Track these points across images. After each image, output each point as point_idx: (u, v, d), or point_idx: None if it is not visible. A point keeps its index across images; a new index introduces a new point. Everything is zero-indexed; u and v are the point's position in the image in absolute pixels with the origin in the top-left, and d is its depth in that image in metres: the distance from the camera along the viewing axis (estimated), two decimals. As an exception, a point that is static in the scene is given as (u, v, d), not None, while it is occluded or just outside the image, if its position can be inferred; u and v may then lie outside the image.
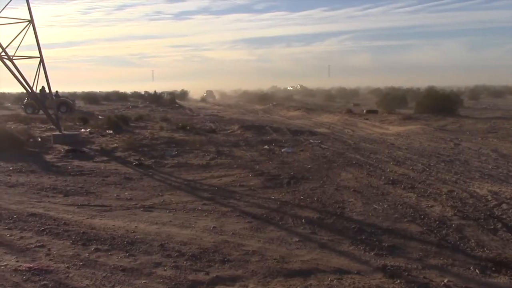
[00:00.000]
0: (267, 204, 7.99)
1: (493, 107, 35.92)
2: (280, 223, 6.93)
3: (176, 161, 12.27)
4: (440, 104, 27.04)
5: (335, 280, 4.87)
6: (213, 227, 6.72)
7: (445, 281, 4.85)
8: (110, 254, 5.68)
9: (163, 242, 6.05)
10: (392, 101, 35.29)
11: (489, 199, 7.90)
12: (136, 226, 6.76)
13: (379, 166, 11.28)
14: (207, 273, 5.08)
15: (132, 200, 8.37)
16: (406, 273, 5.08)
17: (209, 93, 75.48)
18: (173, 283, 4.82)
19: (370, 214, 7.28)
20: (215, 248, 5.85)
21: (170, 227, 6.77)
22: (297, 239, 6.18)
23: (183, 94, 72.04)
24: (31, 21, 16.81)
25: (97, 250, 5.82)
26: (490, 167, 11.08)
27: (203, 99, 65.13)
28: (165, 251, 5.75)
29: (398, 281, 4.86)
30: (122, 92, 75.49)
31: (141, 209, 7.81)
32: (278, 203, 8.02)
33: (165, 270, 5.17)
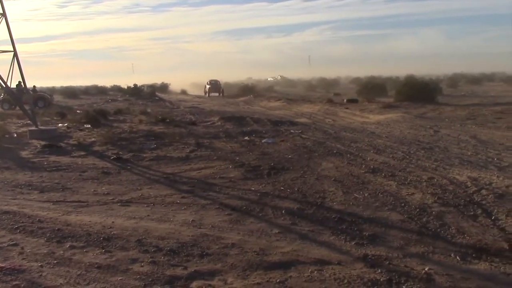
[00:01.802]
0: (247, 195, 7.89)
1: (472, 94, 36.27)
2: (260, 214, 6.84)
3: (155, 154, 12.09)
4: (419, 92, 27.20)
5: (315, 272, 4.79)
6: (192, 220, 6.59)
7: (426, 269, 4.81)
8: (86, 251, 5.53)
9: (140, 237, 5.91)
10: (372, 90, 35.41)
11: (469, 185, 7.91)
12: (113, 222, 6.60)
13: (360, 154, 11.25)
14: (185, 268, 4.96)
15: (110, 195, 8.19)
16: (387, 262, 5.03)
17: (213, 85, 52.04)
18: (150, 279, 4.69)
19: (351, 203, 7.23)
20: (194, 242, 5.74)
21: (148, 221, 6.62)
22: (277, 231, 6.09)
23: (164, 87, 71.21)
24: (3, 14, 16.38)
25: (72, 247, 5.65)
26: (469, 153, 11.12)
27: (207, 92, 50.65)
28: (142, 247, 5.61)
29: (379, 270, 4.80)
30: (101, 86, 74.57)
31: (119, 204, 7.64)
32: (258, 194, 7.92)
33: (142, 266, 5.03)
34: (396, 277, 4.62)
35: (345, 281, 4.56)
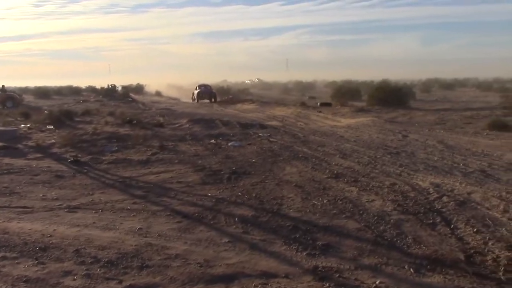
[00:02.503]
0: (202, 201, 7.54)
1: (443, 99, 36.50)
2: (211, 222, 6.49)
3: (115, 157, 11.65)
4: (391, 96, 27.19)
5: (259, 286, 4.48)
6: (139, 228, 6.22)
7: (377, 282, 4.53)
8: (17, 263, 5.12)
9: (79, 247, 5.52)
10: (346, 94, 35.38)
11: (431, 192, 7.70)
12: (54, 230, 6.19)
13: (325, 159, 11.00)
14: (120, 282, 4.59)
15: (58, 200, 7.76)
16: (337, 275, 4.74)
17: (204, 90, 42.77)
18: (79, 295, 4.32)
19: (308, 210, 6.93)
20: (136, 252, 5.37)
21: (91, 229, 6.23)
22: (227, 240, 5.76)
23: (139, 88, 70.31)
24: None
25: (3, 258, 5.24)
26: (435, 158, 10.96)
27: (196, 98, 41.66)
28: (80, 257, 5.22)
29: (327, 284, 4.51)
30: (76, 87, 73.32)
31: (66, 210, 7.22)
32: (214, 200, 7.58)
33: (74, 280, 4.65)
34: (344, 292, 4.34)
35: (289, 296, 4.25)
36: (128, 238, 5.83)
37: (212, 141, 14.26)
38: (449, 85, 61.37)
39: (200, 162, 10.85)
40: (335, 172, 9.48)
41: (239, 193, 7.98)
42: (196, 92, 42.50)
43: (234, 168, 9.99)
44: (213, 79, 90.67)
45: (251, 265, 4.98)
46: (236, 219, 6.55)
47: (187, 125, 18.36)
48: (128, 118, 19.08)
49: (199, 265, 4.98)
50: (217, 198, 7.69)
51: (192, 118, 20.19)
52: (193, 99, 42.43)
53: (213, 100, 40.56)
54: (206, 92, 42.09)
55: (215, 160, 11.12)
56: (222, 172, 9.64)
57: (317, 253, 5.35)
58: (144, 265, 5.01)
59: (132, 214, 6.90)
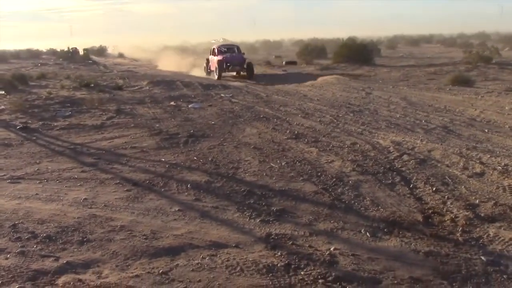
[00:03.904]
0: (154, 167, 7.18)
1: (409, 55, 36.45)
2: (162, 190, 6.15)
3: (68, 123, 11.09)
4: (357, 54, 26.90)
5: (207, 258, 4.20)
6: (84, 199, 5.83)
7: (331, 249, 4.31)
8: None
9: (17, 222, 5.12)
10: (312, 52, 34.88)
11: (391, 151, 7.51)
12: (-8, 203, 5.75)
13: (287, 119, 10.72)
14: (57, 259, 4.25)
15: (2, 171, 7.27)
16: (291, 242, 4.49)
17: (231, 55, 24.47)
18: (10, 276, 3.96)
19: (265, 174, 6.65)
20: (78, 225, 5.01)
21: (33, 201, 5.81)
22: (177, 208, 5.45)
23: (101, 50, 68.06)
24: None
25: None
26: (398, 115, 10.81)
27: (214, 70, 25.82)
28: (16, 233, 4.84)
29: (279, 253, 4.26)
30: (35, 50, 70.52)
31: (8, 181, 6.75)
32: (167, 166, 7.22)
33: (6, 259, 4.28)
34: (296, 261, 4.10)
35: (238, 268, 3.99)
36: (71, 210, 5.45)
37: (172, 103, 13.78)
38: (415, 42, 61.44)
39: (157, 125, 10.42)
40: (296, 132, 9.21)
41: (195, 158, 7.64)
42: (215, 59, 23.99)
43: (192, 131, 9.61)
44: (177, 39, 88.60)
45: (201, 235, 4.69)
46: (189, 185, 6.23)
47: (147, 88, 17.73)
48: (85, 81, 18.30)
49: (144, 237, 4.67)
50: (171, 164, 7.33)
51: (153, 80, 19.51)
52: (208, 71, 25.72)
53: (243, 73, 23.86)
54: (234, 59, 23.80)
55: (173, 123, 10.70)
56: (179, 136, 9.26)
57: (271, 219, 5.09)
58: (85, 239, 4.66)
59: (78, 184, 6.49)
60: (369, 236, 4.62)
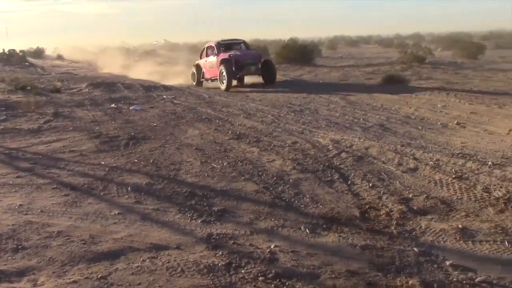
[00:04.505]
0: (93, 171, 7.03)
1: (348, 56, 37.40)
2: (102, 193, 6.04)
3: (2, 127, 10.65)
4: (298, 54, 27.30)
5: (147, 260, 4.16)
6: (20, 205, 5.64)
7: (272, 246, 4.38)
8: None
9: None
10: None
11: (330, 149, 7.70)
12: None
13: (229, 120, 10.76)
14: (-11, 269, 4.09)
15: None
16: (232, 242, 4.53)
17: (244, 52, 18.41)
18: None
19: (206, 174, 6.66)
20: (13, 232, 4.84)
21: (-36, 210, 5.56)
22: (117, 212, 5.37)
23: (39, 52, 65.57)
24: None
25: None
26: (337, 114, 11.08)
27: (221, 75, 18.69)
28: None
29: (221, 252, 4.29)
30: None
31: None
32: (107, 169, 7.09)
33: None
34: (237, 259, 4.14)
35: (179, 269, 3.98)
36: (5, 218, 5.26)
37: (113, 105, 13.53)
38: (354, 42, 63.11)
39: (97, 128, 10.20)
40: (238, 132, 9.27)
41: (135, 160, 7.54)
42: (216, 60, 17.85)
43: (133, 133, 9.47)
44: (117, 40, 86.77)
45: (141, 238, 4.65)
46: (129, 188, 6.15)
47: (87, 90, 17.30)
48: (21, 84, 17.62)
49: (83, 242, 4.57)
50: (110, 167, 7.20)
51: (93, 82, 19.04)
52: (200, 79, 19.38)
53: (265, 74, 17.89)
54: (247, 56, 17.82)
55: (113, 125, 10.50)
56: (119, 138, 9.10)
57: (212, 219, 5.11)
58: (20, 246, 4.51)
59: (13, 190, 6.27)
60: (308, 232, 4.73)
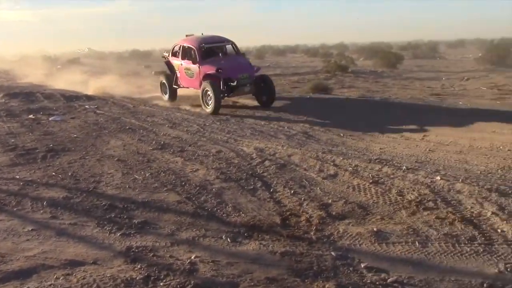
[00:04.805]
0: (7, 186, 6.68)
1: (275, 65, 37.96)
2: (15, 209, 5.75)
3: None
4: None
5: (61, 278, 4.00)
6: None
7: (192, 257, 4.34)
8: None
9: None
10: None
11: (254, 157, 7.77)
12: None
13: (154, 130, 10.60)
14: None
15: None
16: (152, 254, 4.45)
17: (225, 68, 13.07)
18: None
19: (128, 186, 6.51)
20: None
21: None
22: (31, 228, 5.12)
23: None
24: None
25: None
26: (262, 123, 11.19)
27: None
28: None
29: (139, 265, 4.20)
30: None
31: None
32: (21, 183, 6.75)
33: None
34: (156, 272, 4.06)
35: (94, 285, 3.85)
36: None
37: (31, 116, 12.94)
38: (281, 52, 64.22)
39: (12, 141, 9.71)
40: (162, 142, 9.15)
41: (53, 173, 7.24)
42: (197, 71, 13.66)
43: (51, 145, 9.10)
44: (34, 49, 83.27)
45: (56, 255, 4.46)
46: (45, 202, 5.89)
47: (3, 100, 16.45)
48: None
49: (-9, 261, 4.32)
50: (26, 181, 6.87)
51: (9, 92, 18.14)
52: (173, 86, 15.33)
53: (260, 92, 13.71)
54: (240, 68, 13.24)
55: (31, 137, 10.04)
56: (37, 151, 8.71)
57: (132, 232, 4.99)
58: None
59: None
60: (229, 241, 4.73)
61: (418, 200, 5.56)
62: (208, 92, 12.80)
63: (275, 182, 6.50)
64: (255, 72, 13.55)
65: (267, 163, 7.41)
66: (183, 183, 6.56)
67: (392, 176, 6.50)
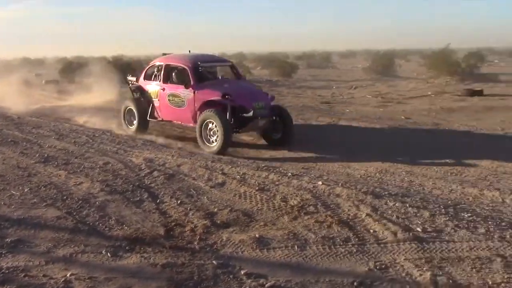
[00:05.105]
0: None
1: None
2: None
3: None
4: (122, 71, 26.68)
5: None
6: None
7: (68, 275, 4.15)
8: None
9: None
10: (76, 70, 33.46)
11: (143, 168, 7.63)
12: None
13: (38, 142, 10.05)
14: None
15: None
16: (23, 274, 4.19)
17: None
18: None
19: (3, 203, 6.10)
20: None
21: None
22: None
23: None
24: None
25: None
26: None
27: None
28: None
29: (8, 287, 3.94)
30: None
31: None
32: None
33: None
34: (26, 293, 3.85)
35: (-47, 313, 3.57)
36: None
37: None
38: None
39: None
40: (46, 155, 8.70)
41: None
42: (188, 97, 10.13)
43: None
44: None
45: None
46: None
47: None
48: None
49: None
50: None
51: None
52: (145, 120, 11.39)
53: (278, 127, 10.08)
54: (256, 99, 9.72)
55: None
56: None
57: (4, 252, 4.68)
58: None
59: None
60: (109, 256, 4.59)
61: (300, 205, 5.76)
62: (211, 125, 9.38)
63: (162, 193, 6.43)
64: (270, 101, 10.14)
65: (155, 173, 7.31)
66: (65, 198, 6.28)
67: (277, 183, 6.68)
